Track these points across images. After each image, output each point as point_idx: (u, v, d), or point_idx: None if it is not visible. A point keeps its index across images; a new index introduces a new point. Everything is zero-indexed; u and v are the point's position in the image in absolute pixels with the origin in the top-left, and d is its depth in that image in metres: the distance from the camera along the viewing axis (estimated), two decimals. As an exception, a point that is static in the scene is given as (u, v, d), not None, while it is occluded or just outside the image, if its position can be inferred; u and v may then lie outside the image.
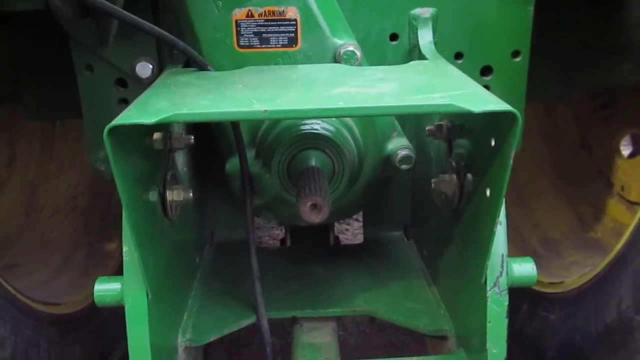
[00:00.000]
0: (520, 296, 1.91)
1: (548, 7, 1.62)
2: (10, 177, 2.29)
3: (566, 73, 1.93)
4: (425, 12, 1.56)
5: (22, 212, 2.28)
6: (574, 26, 1.84)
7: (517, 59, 1.64)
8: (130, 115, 0.95)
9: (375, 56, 1.59)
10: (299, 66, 1.42)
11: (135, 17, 1.26)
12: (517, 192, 2.32)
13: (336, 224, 2.52)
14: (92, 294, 1.94)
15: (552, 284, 1.89)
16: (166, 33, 1.31)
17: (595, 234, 2.10)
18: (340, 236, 2.91)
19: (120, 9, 1.24)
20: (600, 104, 2.23)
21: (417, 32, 1.55)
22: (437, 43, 1.56)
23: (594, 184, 2.17)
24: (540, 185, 2.33)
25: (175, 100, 1.06)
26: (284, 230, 2.02)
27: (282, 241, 1.97)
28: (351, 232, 3.18)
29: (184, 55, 1.37)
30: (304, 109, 0.96)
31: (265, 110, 0.92)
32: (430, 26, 1.55)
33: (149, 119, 0.91)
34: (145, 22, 1.28)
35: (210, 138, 1.57)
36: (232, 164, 1.50)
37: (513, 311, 1.94)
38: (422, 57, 1.50)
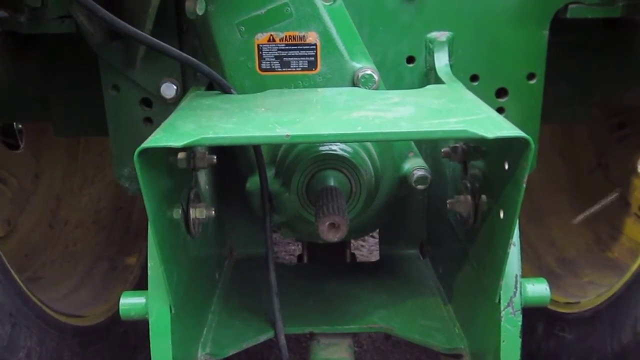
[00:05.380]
0: (537, 316, 1.91)
1: (563, 29, 1.65)
2: (36, 191, 2.35)
3: (582, 94, 1.95)
4: (442, 35, 1.60)
5: (47, 225, 2.34)
6: (590, 47, 1.87)
7: (532, 81, 1.67)
8: (159, 138, 1.00)
9: (392, 78, 1.63)
10: (319, 89, 1.47)
11: (162, 43, 1.32)
12: (534, 210, 2.32)
13: (352, 241, 2.55)
14: (113, 306, 2.01)
15: (568, 303, 1.89)
16: (192, 58, 1.37)
17: (611, 254, 2.10)
18: (356, 252, 2.93)
19: (149, 36, 1.30)
20: (617, 123, 2.23)
21: (433, 55, 1.59)
22: (453, 66, 1.59)
23: (611, 203, 2.17)
24: (557, 204, 2.33)
25: (201, 123, 1.11)
26: (300, 247, 2.05)
27: (299, 257, 2.00)
28: (367, 248, 3.20)
29: (208, 79, 1.42)
30: (325, 134, 1.01)
31: (288, 135, 0.96)
32: (446, 49, 1.59)
33: (178, 142, 0.96)
34: (171, 47, 1.34)
35: (231, 157, 1.61)
36: (253, 182, 1.54)
37: (529, 331, 1.95)
38: (438, 79, 1.54)
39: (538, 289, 1.22)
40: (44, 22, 1.60)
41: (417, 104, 1.22)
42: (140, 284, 2.23)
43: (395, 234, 1.88)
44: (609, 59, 1.90)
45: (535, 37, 1.63)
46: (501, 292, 1.19)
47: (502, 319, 1.18)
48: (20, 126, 2.41)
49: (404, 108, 1.18)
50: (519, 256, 1.20)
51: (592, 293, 1.84)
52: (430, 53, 1.60)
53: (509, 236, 1.11)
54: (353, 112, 1.16)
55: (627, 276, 1.67)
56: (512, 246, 1.13)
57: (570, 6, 1.61)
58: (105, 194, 2.49)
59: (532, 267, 2.18)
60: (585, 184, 2.30)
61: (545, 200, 2.34)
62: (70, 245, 2.32)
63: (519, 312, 1.19)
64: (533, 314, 1.29)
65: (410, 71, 1.64)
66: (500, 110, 1.69)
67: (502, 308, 1.18)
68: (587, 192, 2.28)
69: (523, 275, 2.12)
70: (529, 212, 2.29)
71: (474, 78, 1.66)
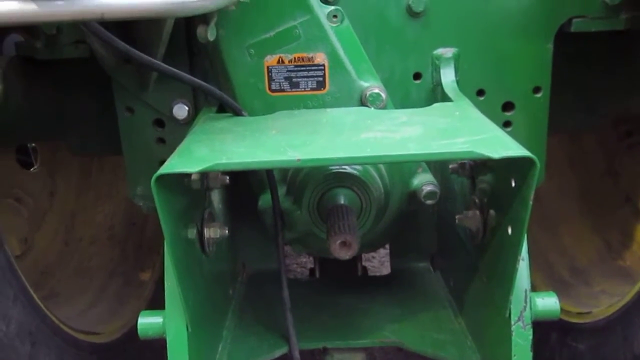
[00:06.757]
0: (549, 326, 1.91)
1: (569, 40, 1.67)
2: (51, 208, 2.39)
3: (589, 103, 1.96)
4: (448, 51, 1.62)
5: (62, 242, 2.37)
6: (595, 57, 1.88)
7: (538, 95, 1.68)
8: (175, 164, 1.03)
9: (399, 94, 1.65)
10: (328, 110, 1.49)
11: (175, 70, 1.35)
12: (545, 219, 2.33)
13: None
14: (127, 323, 2.04)
15: (580, 313, 1.90)
16: (204, 83, 1.40)
17: (623, 262, 2.10)
18: (367, 264, 2.95)
19: (162, 64, 1.34)
20: (625, 131, 2.24)
21: (439, 71, 1.61)
22: (460, 81, 1.61)
23: (622, 211, 2.17)
24: (568, 213, 2.34)
25: (214, 147, 1.14)
26: (312, 259, 2.08)
27: (311, 271, 2.02)
28: (378, 259, 3.22)
29: (220, 102, 1.46)
30: (334, 157, 1.04)
31: (298, 159, 0.99)
32: (452, 65, 1.61)
33: (193, 168, 0.99)
34: (184, 74, 1.38)
35: (243, 175, 1.64)
36: (265, 200, 1.57)
37: (542, 341, 1.95)
38: (444, 95, 1.56)
39: (548, 302, 1.24)
40: (58, 47, 1.65)
41: (424, 124, 1.24)
42: (155, 300, 2.26)
43: (405, 247, 1.90)
44: (614, 68, 1.91)
45: (540, 51, 1.65)
46: (511, 306, 1.20)
47: (513, 333, 1.20)
48: (33, 144, 2.46)
49: (411, 128, 1.20)
50: (528, 271, 1.21)
51: (605, 302, 1.84)
52: (436, 69, 1.62)
53: (518, 251, 1.13)
54: (362, 133, 1.19)
55: (639, 286, 1.68)
56: (521, 261, 1.14)
57: (574, 20, 1.62)
58: (118, 210, 2.53)
59: (543, 276, 2.18)
60: (595, 192, 2.30)
61: (556, 209, 2.35)
62: (85, 261, 2.36)
63: (529, 326, 1.20)
64: (546, 324, 1.30)
65: (417, 87, 1.66)
66: (507, 123, 1.70)
67: (512, 322, 1.20)
68: (597, 200, 2.28)
69: (536, 285, 2.12)
70: (540, 221, 2.29)
71: (481, 93, 1.68)
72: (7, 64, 1.77)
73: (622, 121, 2.21)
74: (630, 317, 1.67)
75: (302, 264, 3.21)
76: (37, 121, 2.02)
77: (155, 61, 1.31)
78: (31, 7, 0.93)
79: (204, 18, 1.33)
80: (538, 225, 2.28)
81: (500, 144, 1.06)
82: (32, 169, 2.40)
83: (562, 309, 1.61)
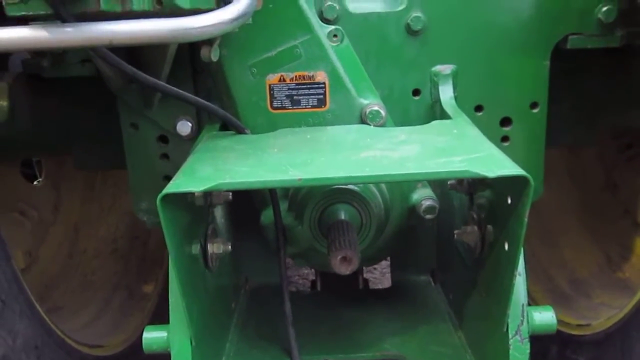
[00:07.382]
0: (549, 338, 1.93)
1: (566, 56, 1.70)
2: (55, 221, 2.42)
3: (587, 117, 1.99)
4: (446, 68, 1.66)
5: (66, 255, 2.39)
6: (592, 72, 1.91)
7: (536, 110, 1.71)
8: (179, 184, 1.06)
9: (398, 110, 1.68)
10: (328, 128, 1.53)
11: (180, 91, 1.39)
12: (544, 231, 2.34)
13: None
14: (131, 336, 2.05)
15: (579, 326, 1.91)
16: (208, 103, 1.44)
17: (623, 274, 2.11)
18: (368, 275, 2.97)
19: (168, 85, 1.37)
20: (625, 144, 2.26)
21: (438, 88, 1.64)
22: (458, 97, 1.65)
23: (621, 223, 2.18)
24: (567, 225, 2.35)
25: (218, 166, 1.17)
26: (313, 271, 2.10)
27: (313, 283, 2.04)
28: (379, 270, 3.23)
29: (223, 121, 1.49)
30: (334, 177, 1.07)
31: (299, 179, 1.02)
32: (450, 82, 1.64)
33: (197, 187, 1.02)
34: (189, 95, 1.42)
35: (246, 191, 1.67)
36: (267, 216, 1.60)
37: (542, 353, 1.96)
38: (443, 111, 1.59)
39: (545, 317, 1.26)
40: (65, 66, 1.68)
41: (422, 142, 1.27)
42: (158, 312, 2.27)
43: (406, 261, 1.92)
44: (612, 82, 1.94)
45: (537, 67, 1.68)
46: (509, 320, 1.22)
47: (511, 347, 1.22)
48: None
49: (409, 147, 1.23)
50: (525, 285, 1.23)
51: (604, 315, 1.86)
52: (435, 86, 1.65)
53: (514, 267, 1.15)
54: (361, 152, 1.22)
55: (637, 298, 1.69)
56: (517, 276, 1.17)
57: (570, 37, 1.66)
58: (121, 223, 2.55)
59: (543, 289, 2.20)
60: (594, 204, 2.32)
61: (555, 222, 2.37)
62: (88, 274, 2.38)
63: (527, 340, 1.22)
64: (546, 337, 1.32)
65: (416, 104, 1.69)
66: (505, 138, 1.73)
67: (510, 336, 1.22)
68: (597, 213, 2.30)
69: (535, 298, 2.12)
70: (540, 234, 2.31)
71: (479, 108, 1.71)
72: (14, 80, 1.81)
73: (621, 134, 2.24)
74: (629, 330, 1.69)
75: (303, 275, 3.23)
76: (42, 137, 2.05)
77: (161, 83, 1.35)
78: (42, 34, 0.97)
79: (207, 39, 1.36)
80: (538, 238, 2.30)
81: (496, 163, 1.08)
82: (36, 182, 2.43)
83: (561, 321, 1.62)
